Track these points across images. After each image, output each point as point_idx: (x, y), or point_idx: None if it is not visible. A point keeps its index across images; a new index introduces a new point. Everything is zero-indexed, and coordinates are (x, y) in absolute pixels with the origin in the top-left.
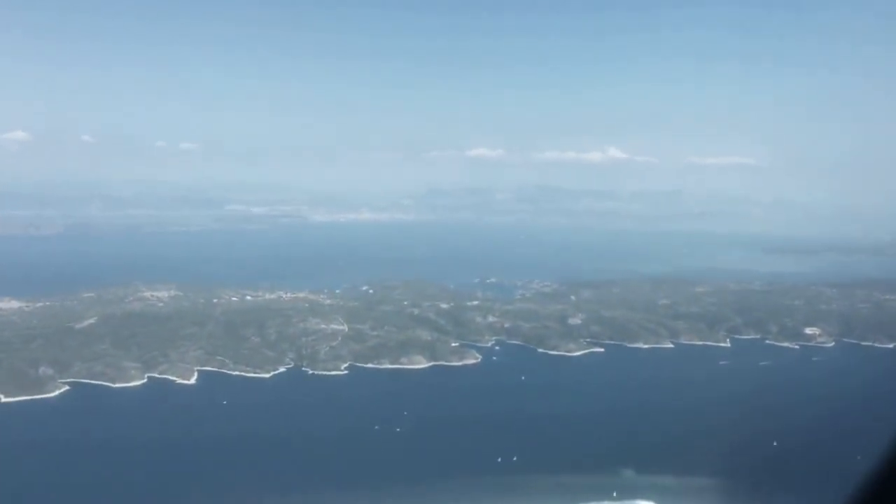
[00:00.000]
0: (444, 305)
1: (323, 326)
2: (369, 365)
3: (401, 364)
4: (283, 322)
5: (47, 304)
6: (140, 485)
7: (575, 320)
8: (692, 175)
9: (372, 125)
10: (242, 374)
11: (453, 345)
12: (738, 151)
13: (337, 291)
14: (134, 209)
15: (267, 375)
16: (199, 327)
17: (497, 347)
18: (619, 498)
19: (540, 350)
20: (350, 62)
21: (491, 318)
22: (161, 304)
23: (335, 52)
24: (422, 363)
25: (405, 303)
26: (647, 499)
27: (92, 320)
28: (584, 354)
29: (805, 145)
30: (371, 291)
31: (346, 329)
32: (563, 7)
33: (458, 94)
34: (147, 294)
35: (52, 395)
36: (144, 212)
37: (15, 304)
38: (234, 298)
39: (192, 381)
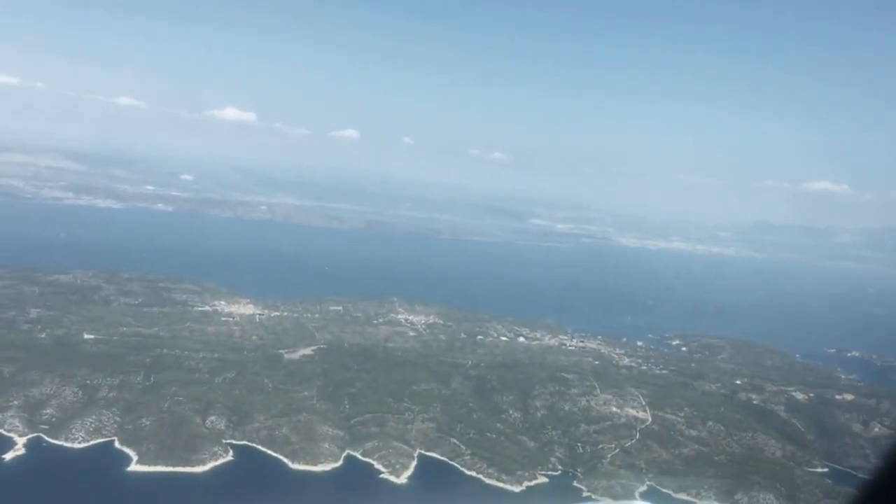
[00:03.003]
0: (798, 395)
1: (615, 409)
2: (681, 496)
3: None
4: (558, 390)
5: (284, 314)
6: None
7: None
8: None
9: (694, 146)
10: (478, 475)
11: (819, 471)
12: None
13: (639, 344)
14: (440, 213)
15: (516, 488)
16: (442, 384)
17: None
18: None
19: None
20: (689, 84)
21: (878, 429)
22: (412, 334)
23: (680, 81)
24: None
25: (737, 381)
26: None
27: (309, 350)
28: None
29: None
30: (684, 349)
31: (649, 419)
32: None
33: (803, 121)
34: (401, 317)
35: (202, 468)
36: (449, 217)
37: (250, 308)
38: (503, 337)
39: (404, 477)
